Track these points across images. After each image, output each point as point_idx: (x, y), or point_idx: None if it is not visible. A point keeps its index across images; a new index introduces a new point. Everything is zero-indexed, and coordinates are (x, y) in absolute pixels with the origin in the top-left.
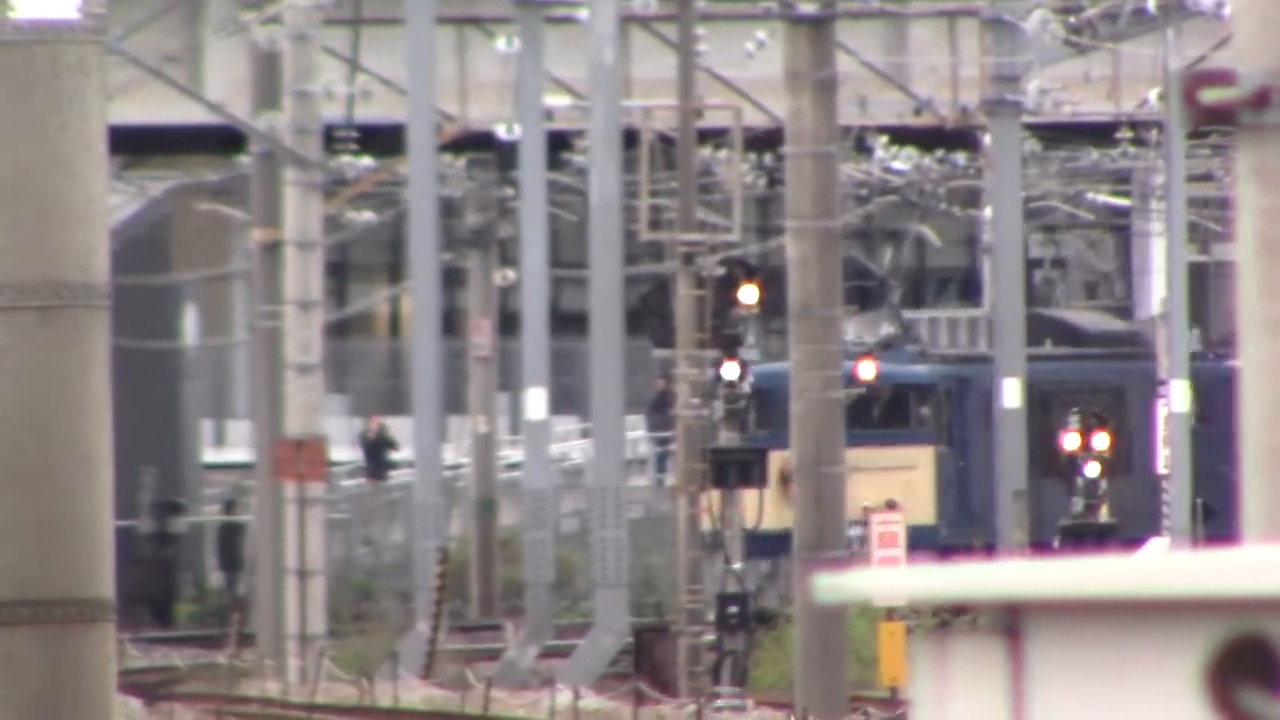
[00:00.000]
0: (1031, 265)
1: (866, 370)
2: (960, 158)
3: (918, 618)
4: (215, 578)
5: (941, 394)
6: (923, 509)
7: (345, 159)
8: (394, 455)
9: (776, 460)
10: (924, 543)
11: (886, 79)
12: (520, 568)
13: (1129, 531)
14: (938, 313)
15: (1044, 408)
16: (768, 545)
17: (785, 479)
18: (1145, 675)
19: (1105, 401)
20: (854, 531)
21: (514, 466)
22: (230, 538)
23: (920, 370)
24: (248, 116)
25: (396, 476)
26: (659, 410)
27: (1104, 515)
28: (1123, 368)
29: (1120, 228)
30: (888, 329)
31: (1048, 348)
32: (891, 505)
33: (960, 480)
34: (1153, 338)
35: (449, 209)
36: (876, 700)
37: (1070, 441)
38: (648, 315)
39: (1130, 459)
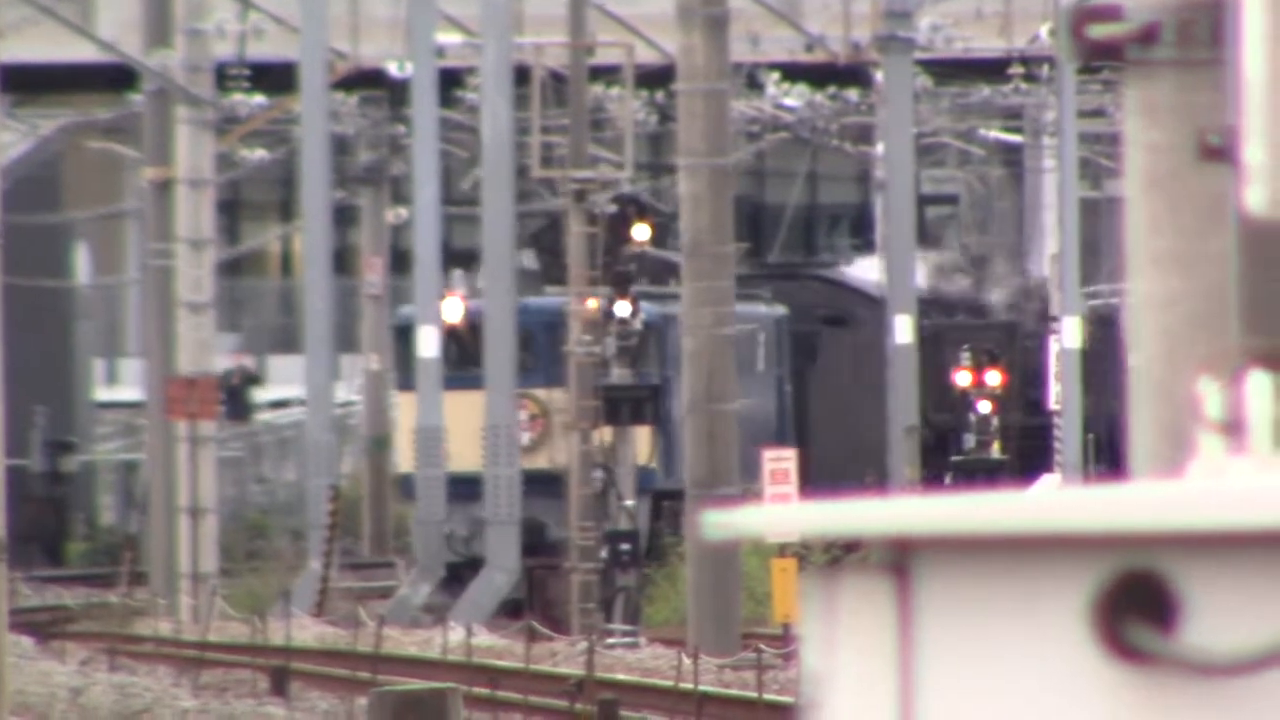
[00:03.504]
0: (923, 202)
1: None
2: (852, 94)
3: (809, 554)
4: (108, 516)
5: (650, 335)
6: (642, 452)
7: (237, 97)
8: (260, 396)
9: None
10: (644, 485)
11: (778, 15)
12: (412, 506)
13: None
14: None
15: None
16: (464, 488)
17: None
18: (1033, 611)
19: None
20: (597, 474)
21: None
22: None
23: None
24: (139, 54)
25: (285, 415)
26: None
27: (995, 451)
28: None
29: (1012, 164)
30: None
31: (672, 287)
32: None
33: (666, 422)
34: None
35: (341, 147)
36: (769, 637)
37: (963, 379)
38: (540, 253)
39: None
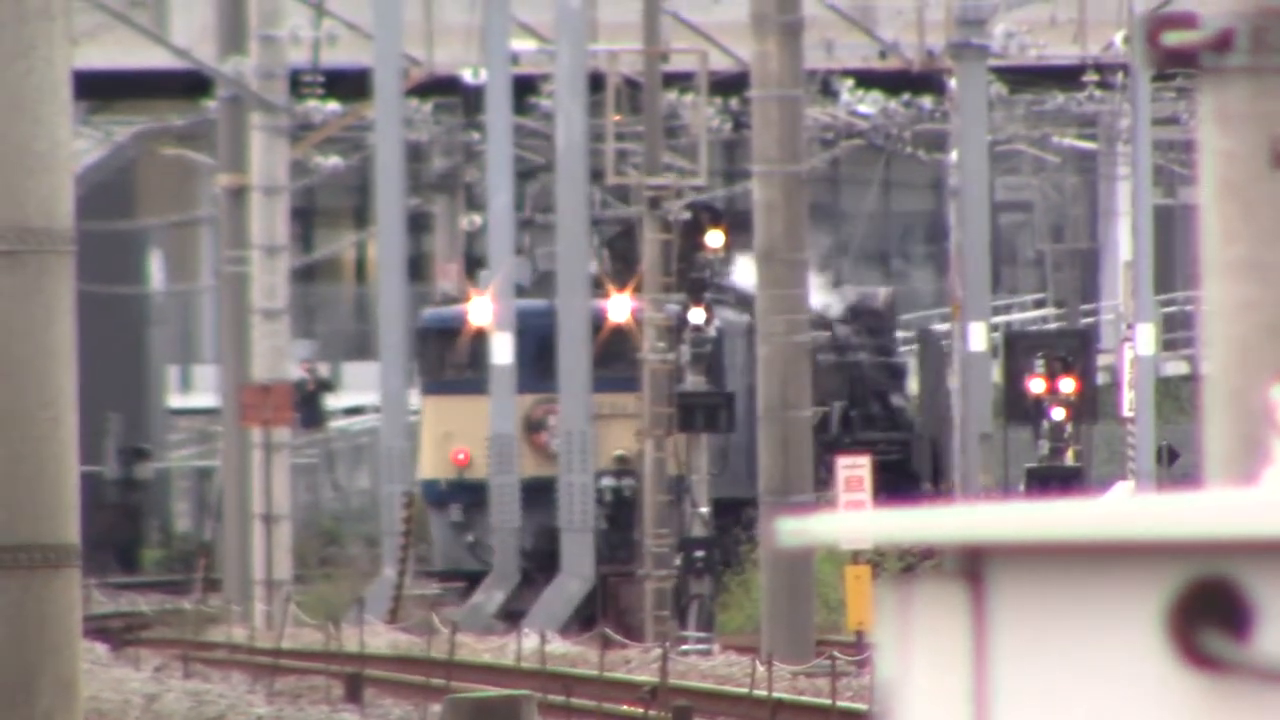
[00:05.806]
0: (997, 209)
1: (619, 310)
2: (926, 101)
3: (884, 561)
4: (182, 522)
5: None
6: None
7: (311, 104)
8: (334, 403)
9: (521, 405)
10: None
11: (852, 22)
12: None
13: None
14: None
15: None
16: (480, 495)
17: (533, 426)
18: (1107, 618)
19: None
20: (606, 481)
21: None
22: None
23: None
24: (214, 61)
25: (359, 422)
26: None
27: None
28: None
29: (1086, 171)
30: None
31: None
32: (623, 460)
33: None
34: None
35: (415, 154)
36: (843, 644)
37: (1037, 386)
38: (614, 260)
39: None
